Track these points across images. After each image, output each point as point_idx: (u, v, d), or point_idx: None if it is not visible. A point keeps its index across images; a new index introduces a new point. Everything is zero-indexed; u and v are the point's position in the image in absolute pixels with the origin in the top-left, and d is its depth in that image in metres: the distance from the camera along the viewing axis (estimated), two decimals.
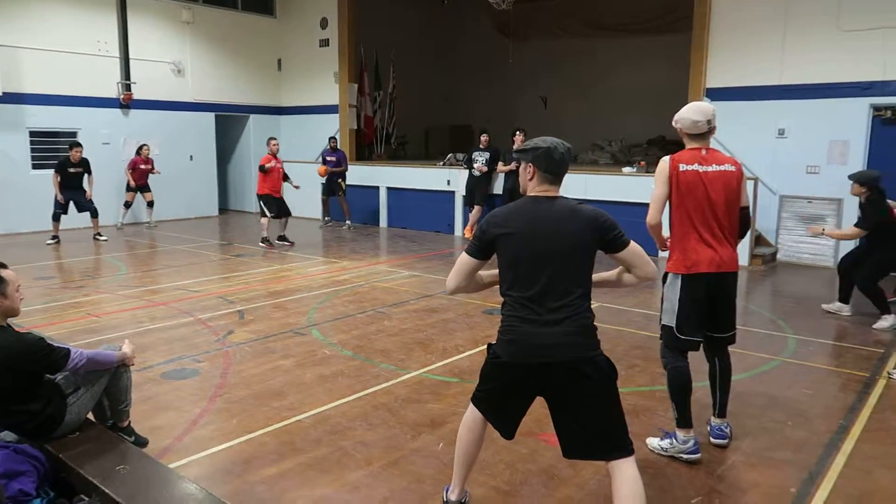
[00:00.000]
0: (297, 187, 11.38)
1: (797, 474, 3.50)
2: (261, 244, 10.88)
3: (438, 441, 3.84)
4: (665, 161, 3.59)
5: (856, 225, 6.47)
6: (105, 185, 12.32)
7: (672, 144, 12.90)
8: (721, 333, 3.71)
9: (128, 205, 12.83)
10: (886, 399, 4.57)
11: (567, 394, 2.63)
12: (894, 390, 4.74)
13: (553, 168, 2.71)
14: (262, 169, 10.80)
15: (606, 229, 2.67)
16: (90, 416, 3.45)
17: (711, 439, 3.80)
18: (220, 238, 12.10)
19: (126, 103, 13.39)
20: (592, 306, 2.70)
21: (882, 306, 6.37)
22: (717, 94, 10.19)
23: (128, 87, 13.32)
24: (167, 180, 13.50)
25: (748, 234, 3.88)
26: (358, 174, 13.73)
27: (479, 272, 2.86)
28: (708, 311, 3.64)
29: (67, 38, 12.43)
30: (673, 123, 3.66)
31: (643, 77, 15.07)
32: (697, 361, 3.91)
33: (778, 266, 9.73)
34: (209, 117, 14.89)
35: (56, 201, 10.81)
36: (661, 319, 3.73)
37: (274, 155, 10.98)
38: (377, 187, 13.75)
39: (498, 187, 11.79)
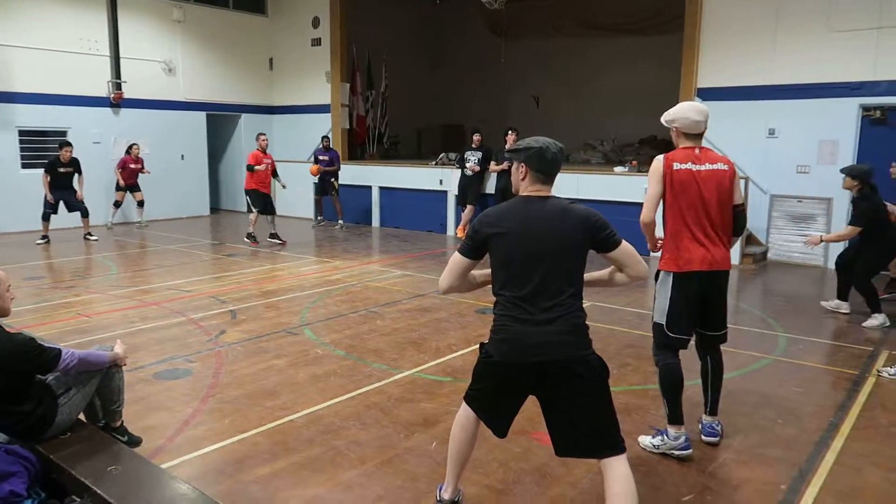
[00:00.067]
0: (283, 186, 11.40)
1: (788, 471, 3.53)
2: (245, 239, 10.91)
3: (431, 440, 3.84)
4: (659, 160, 3.61)
5: (850, 223, 6.48)
6: (95, 185, 12.27)
7: (663, 144, 12.96)
8: (713, 332, 3.74)
9: (117, 204, 12.75)
10: (876, 397, 4.60)
11: (559, 393, 2.64)
12: (884, 388, 4.78)
13: (545, 168, 2.72)
14: (249, 169, 10.79)
15: (598, 229, 2.68)
16: (81, 416, 3.43)
17: (703, 437, 3.82)
18: (212, 238, 12.05)
19: (116, 102, 13.31)
20: (585, 305, 2.72)
21: (874, 305, 6.41)
22: (708, 94, 10.23)
23: (118, 86, 13.25)
24: (158, 180, 13.44)
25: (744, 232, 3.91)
26: (350, 174, 13.71)
27: (472, 272, 2.87)
28: (699, 310, 3.67)
29: (57, 37, 12.35)
30: (666, 122, 3.67)
31: (635, 77, 15.11)
32: (690, 360, 3.94)
33: (768, 265, 9.78)
34: (200, 116, 14.83)
35: (46, 201, 10.74)
36: (652, 317, 3.76)
37: (263, 151, 10.97)
38: (369, 187, 13.74)
39: (490, 187, 11.81)
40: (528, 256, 2.64)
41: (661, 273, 3.68)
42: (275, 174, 11.19)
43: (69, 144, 10.92)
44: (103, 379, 3.41)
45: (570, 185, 10.36)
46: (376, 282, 8.20)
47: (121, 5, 13.15)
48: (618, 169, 11.32)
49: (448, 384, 4.76)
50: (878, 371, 5.07)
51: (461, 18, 17.11)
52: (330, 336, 5.90)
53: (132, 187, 12.72)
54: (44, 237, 10.80)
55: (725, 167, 3.60)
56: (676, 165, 3.54)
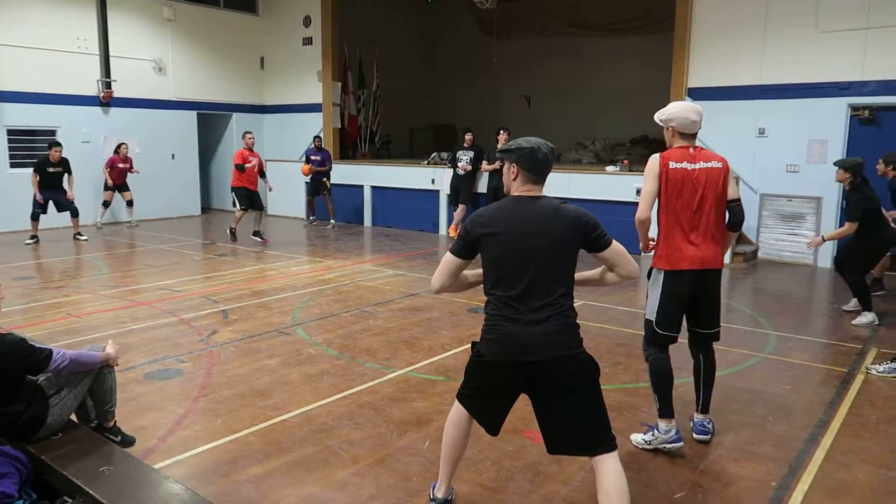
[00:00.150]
0: (270, 189, 11.41)
1: (778, 468, 3.56)
2: (227, 232, 11.01)
3: (424, 439, 3.85)
4: (655, 158, 3.64)
5: (847, 219, 6.43)
6: (85, 185, 12.21)
7: (654, 143, 13.01)
8: (705, 329, 3.77)
9: (106, 204, 12.66)
10: (864, 394, 4.65)
11: (550, 391, 2.66)
12: (872, 385, 4.82)
13: (537, 168, 2.73)
14: (239, 168, 10.77)
15: (589, 229, 2.70)
16: (73, 417, 3.42)
17: (694, 435, 3.85)
18: (203, 237, 12.00)
19: (106, 101, 13.23)
20: (577, 304, 2.73)
21: (865, 303, 6.46)
22: (698, 94, 10.29)
23: (108, 85, 13.17)
24: (149, 179, 13.37)
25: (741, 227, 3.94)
26: (342, 173, 13.69)
27: (464, 271, 2.88)
28: (689, 308, 3.70)
29: (46, 35, 12.25)
30: (661, 122, 3.70)
31: (626, 77, 15.17)
32: (682, 359, 3.97)
33: (759, 264, 9.84)
34: (191, 115, 14.77)
35: (35, 201, 10.66)
36: (644, 314, 3.79)
37: (250, 149, 10.97)
38: (361, 186, 13.72)
39: (482, 186, 11.81)
40: (519, 256, 2.65)
41: (654, 271, 3.72)
42: (262, 174, 11.20)
43: (59, 144, 10.84)
44: (96, 380, 3.39)
45: (562, 185, 10.40)
46: (368, 281, 8.20)
47: (110, 3, 13.06)
48: (609, 168, 11.35)
49: (441, 383, 4.76)
50: (867, 368, 5.11)
51: (453, 18, 17.12)
52: (322, 335, 5.90)
53: (121, 187, 12.64)
54: (33, 237, 10.72)
55: (719, 165, 3.63)
56: (672, 164, 3.57)
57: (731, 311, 6.97)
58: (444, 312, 6.69)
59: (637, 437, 3.78)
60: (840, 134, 9.36)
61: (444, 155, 13.01)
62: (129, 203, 12.82)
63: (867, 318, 6.40)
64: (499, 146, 10.02)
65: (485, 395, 2.81)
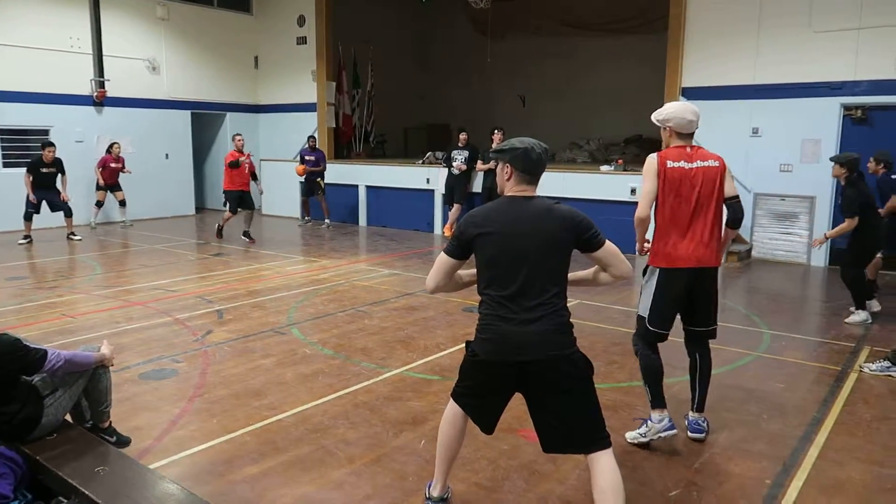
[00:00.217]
0: (261, 192, 11.46)
1: (772, 466, 3.58)
2: (215, 227, 11.16)
3: (420, 438, 3.85)
4: (653, 157, 3.66)
5: (845, 216, 6.37)
6: (78, 185, 12.15)
7: (649, 143, 13.05)
8: (700, 327, 3.79)
9: (99, 204, 12.62)
10: (858, 392, 4.68)
11: (544, 390, 2.67)
12: (865, 384, 4.85)
13: (530, 168, 2.74)
14: (233, 165, 10.77)
15: (583, 229, 2.71)
16: (68, 417, 3.41)
17: (689, 433, 3.87)
18: (197, 237, 11.97)
19: (100, 101, 13.18)
20: (571, 304, 2.75)
21: (859, 301, 6.48)
22: (692, 94, 10.32)
23: (101, 85, 13.12)
24: (142, 179, 13.34)
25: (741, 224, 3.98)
26: (336, 172, 13.67)
27: (459, 271, 2.88)
28: (683, 306, 3.73)
29: (39, 34, 12.20)
30: (658, 122, 3.72)
31: (620, 76, 15.19)
32: (676, 356, 3.98)
33: (753, 263, 9.88)
34: (185, 115, 14.72)
35: (28, 201, 10.62)
36: (638, 309, 3.81)
37: (239, 151, 10.98)
38: (356, 186, 13.71)
39: (477, 185, 11.84)
40: (512, 256, 2.66)
41: (649, 268, 3.74)
42: (254, 176, 11.21)
43: (52, 144, 10.79)
44: (91, 380, 3.39)
45: (557, 184, 10.40)
46: (364, 281, 8.20)
47: (103, 2, 13.01)
48: (604, 168, 11.38)
49: (436, 382, 4.77)
50: (861, 367, 5.14)
51: (447, 17, 17.11)
52: (317, 335, 5.89)
53: (113, 187, 12.61)
54: (26, 237, 10.68)
55: (716, 164, 3.66)
56: (670, 163, 3.60)
57: (726, 309, 6.98)
58: (439, 312, 6.70)
59: (631, 434, 3.80)
60: (833, 133, 9.41)
61: (439, 154, 13.01)
62: (122, 203, 12.77)
63: (860, 316, 6.43)
64: (493, 146, 10.02)
65: (479, 393, 2.82)
